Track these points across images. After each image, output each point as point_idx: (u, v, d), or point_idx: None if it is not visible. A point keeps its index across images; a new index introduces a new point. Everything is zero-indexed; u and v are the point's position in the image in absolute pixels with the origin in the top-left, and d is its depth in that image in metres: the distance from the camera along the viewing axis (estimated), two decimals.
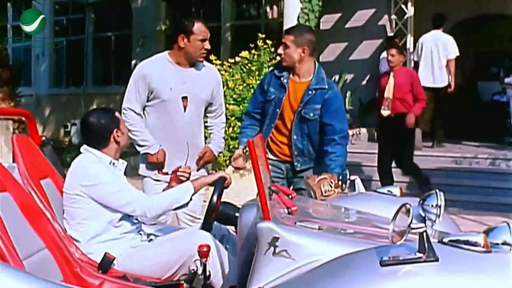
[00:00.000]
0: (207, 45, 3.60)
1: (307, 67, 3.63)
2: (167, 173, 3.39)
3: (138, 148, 3.65)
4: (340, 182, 3.45)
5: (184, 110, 3.60)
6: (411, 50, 9.78)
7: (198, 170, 3.68)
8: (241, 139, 3.77)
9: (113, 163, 2.94)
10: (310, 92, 3.58)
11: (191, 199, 2.91)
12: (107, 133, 2.92)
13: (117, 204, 2.81)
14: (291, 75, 3.66)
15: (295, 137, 3.63)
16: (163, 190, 3.13)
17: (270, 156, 3.72)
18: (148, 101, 3.62)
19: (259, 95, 3.79)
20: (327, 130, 3.58)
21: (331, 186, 3.39)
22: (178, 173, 3.11)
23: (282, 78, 3.65)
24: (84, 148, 2.95)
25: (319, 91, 3.59)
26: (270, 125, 3.69)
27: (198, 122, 3.72)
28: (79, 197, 2.80)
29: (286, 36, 3.63)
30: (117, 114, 3.02)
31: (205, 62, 3.76)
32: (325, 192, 3.37)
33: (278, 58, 3.82)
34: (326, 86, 3.60)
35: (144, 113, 3.66)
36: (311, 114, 3.58)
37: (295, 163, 3.67)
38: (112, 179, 2.83)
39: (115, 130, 2.93)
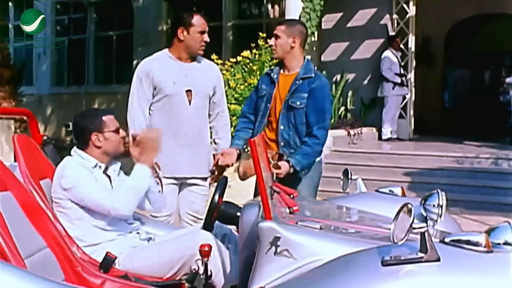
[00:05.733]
0: (206, 38, 3.61)
1: (297, 60, 3.63)
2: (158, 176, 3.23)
3: None
4: (285, 165, 3.37)
5: (189, 104, 3.60)
6: (413, 49, 9.80)
7: (210, 177, 3.70)
8: (234, 141, 3.72)
9: (99, 166, 2.89)
10: (297, 82, 3.58)
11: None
12: (86, 134, 2.88)
13: (93, 206, 2.76)
14: (281, 70, 3.68)
15: (281, 127, 3.60)
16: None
17: None
18: (152, 98, 3.62)
19: (254, 96, 3.81)
20: (309, 122, 3.55)
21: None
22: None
23: (272, 74, 3.68)
24: (73, 149, 2.93)
25: (306, 80, 3.58)
26: (262, 121, 3.67)
27: (204, 116, 3.71)
28: (61, 200, 2.79)
29: (278, 27, 3.67)
30: (105, 118, 2.91)
31: (204, 59, 3.77)
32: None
33: None
34: (313, 75, 3.60)
35: (149, 112, 3.66)
36: (298, 103, 3.55)
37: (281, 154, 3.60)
38: (89, 182, 2.77)
39: (93, 133, 2.87)
